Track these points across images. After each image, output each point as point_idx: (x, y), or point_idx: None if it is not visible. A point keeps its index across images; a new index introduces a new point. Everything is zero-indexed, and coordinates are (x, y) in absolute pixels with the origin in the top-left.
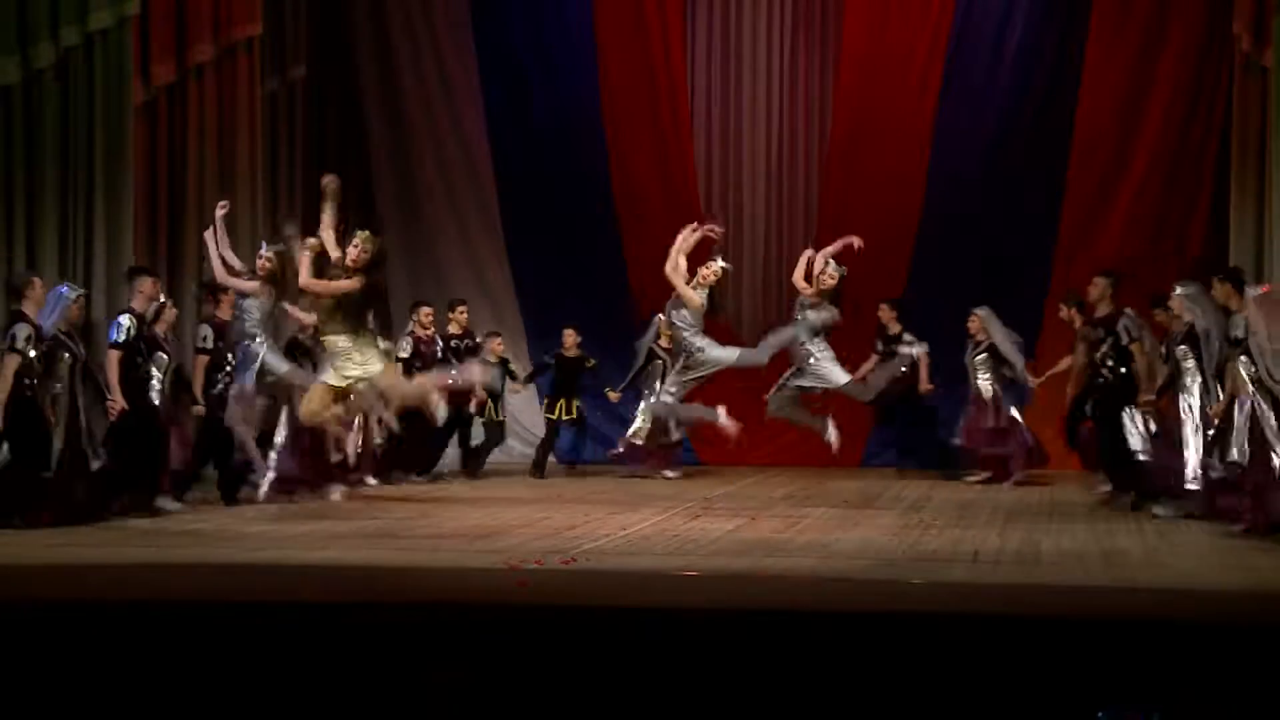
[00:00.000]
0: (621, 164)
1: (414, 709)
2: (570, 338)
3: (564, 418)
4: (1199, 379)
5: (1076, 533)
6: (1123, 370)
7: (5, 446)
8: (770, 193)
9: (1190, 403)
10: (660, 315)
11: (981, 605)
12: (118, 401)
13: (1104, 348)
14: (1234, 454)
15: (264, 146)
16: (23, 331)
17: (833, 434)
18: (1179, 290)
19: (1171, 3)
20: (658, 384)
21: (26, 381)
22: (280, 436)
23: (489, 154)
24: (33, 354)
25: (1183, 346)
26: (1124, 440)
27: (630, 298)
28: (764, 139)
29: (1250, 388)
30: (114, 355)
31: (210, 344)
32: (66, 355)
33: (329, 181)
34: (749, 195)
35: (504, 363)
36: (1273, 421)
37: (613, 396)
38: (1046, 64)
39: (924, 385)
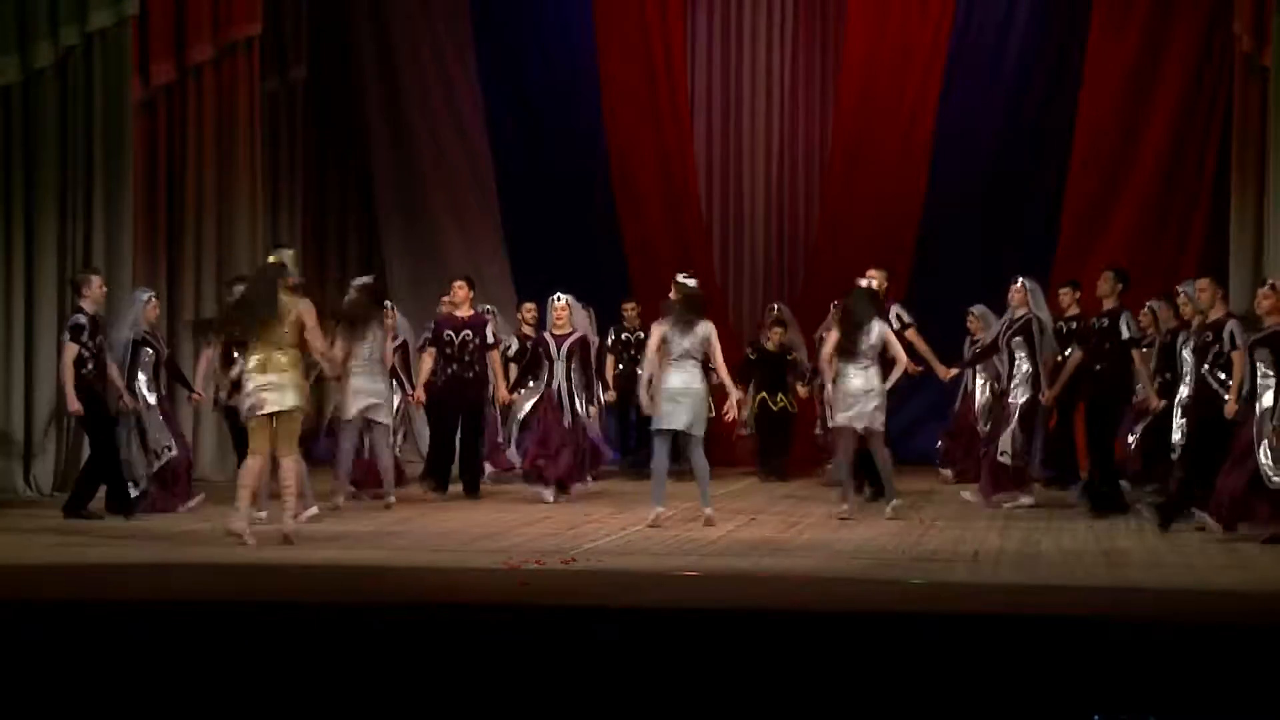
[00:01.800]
0: (622, 162)
1: (414, 708)
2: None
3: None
4: (1028, 368)
5: (1077, 533)
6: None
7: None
8: (771, 192)
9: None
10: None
11: (982, 605)
12: (200, 395)
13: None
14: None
15: (264, 146)
16: (74, 322)
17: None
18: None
19: (1172, 3)
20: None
21: (85, 372)
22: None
23: (489, 153)
24: (87, 343)
25: (1019, 338)
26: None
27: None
28: (764, 138)
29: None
30: (206, 356)
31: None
32: (150, 352)
33: None
34: (749, 194)
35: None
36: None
37: (803, 392)
38: (1047, 64)
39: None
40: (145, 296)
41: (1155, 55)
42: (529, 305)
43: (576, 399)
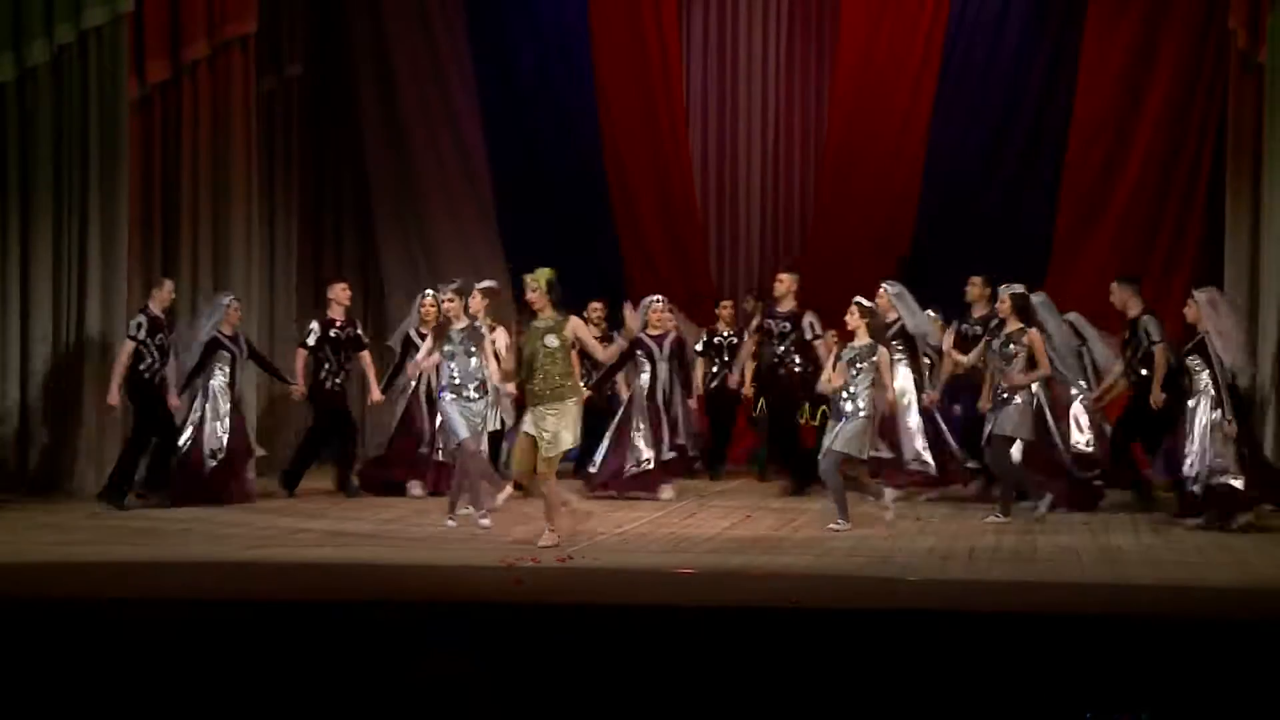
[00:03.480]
0: (618, 163)
1: (412, 706)
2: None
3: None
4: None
5: (1073, 530)
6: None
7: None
8: (766, 193)
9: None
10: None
11: (978, 602)
12: (299, 389)
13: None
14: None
15: (260, 144)
16: (134, 321)
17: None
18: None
19: (1166, 1)
20: None
21: (140, 368)
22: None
23: (485, 153)
24: (146, 341)
25: (895, 340)
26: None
27: (628, 297)
28: (760, 138)
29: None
30: (302, 354)
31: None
32: (225, 353)
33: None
34: (745, 195)
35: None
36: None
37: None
38: (1042, 61)
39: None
40: (226, 300)
41: (1150, 52)
42: (595, 305)
43: (677, 395)
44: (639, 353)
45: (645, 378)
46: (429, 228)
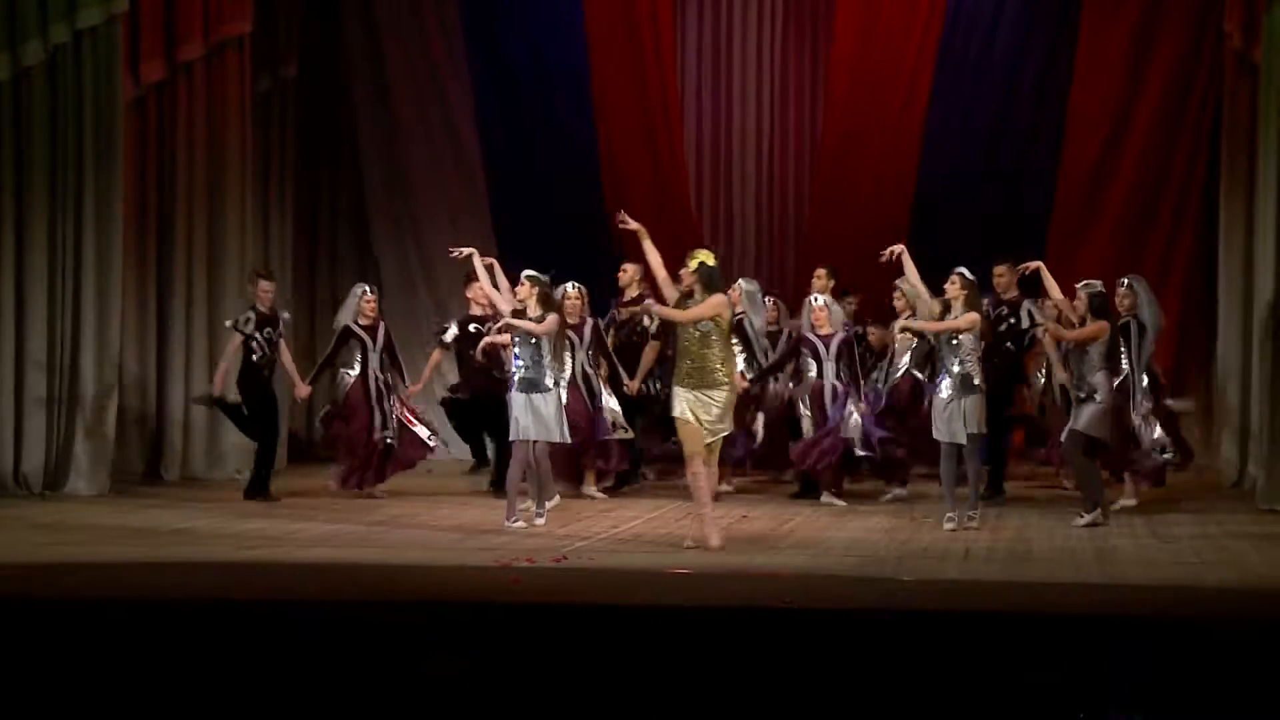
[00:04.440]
0: (612, 162)
1: (406, 707)
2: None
3: None
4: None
5: (1068, 530)
6: None
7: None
8: (761, 191)
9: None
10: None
11: (973, 603)
12: (413, 388)
13: None
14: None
15: (255, 145)
16: (243, 316)
17: None
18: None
19: (1162, 1)
20: None
21: (253, 360)
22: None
23: (480, 152)
24: (255, 335)
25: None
26: None
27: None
28: (755, 137)
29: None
30: (435, 355)
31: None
32: (356, 342)
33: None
34: (739, 194)
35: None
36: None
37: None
38: (1037, 62)
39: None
40: (360, 290)
41: (1145, 52)
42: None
43: (850, 396)
44: (804, 351)
45: (812, 377)
46: (424, 227)
